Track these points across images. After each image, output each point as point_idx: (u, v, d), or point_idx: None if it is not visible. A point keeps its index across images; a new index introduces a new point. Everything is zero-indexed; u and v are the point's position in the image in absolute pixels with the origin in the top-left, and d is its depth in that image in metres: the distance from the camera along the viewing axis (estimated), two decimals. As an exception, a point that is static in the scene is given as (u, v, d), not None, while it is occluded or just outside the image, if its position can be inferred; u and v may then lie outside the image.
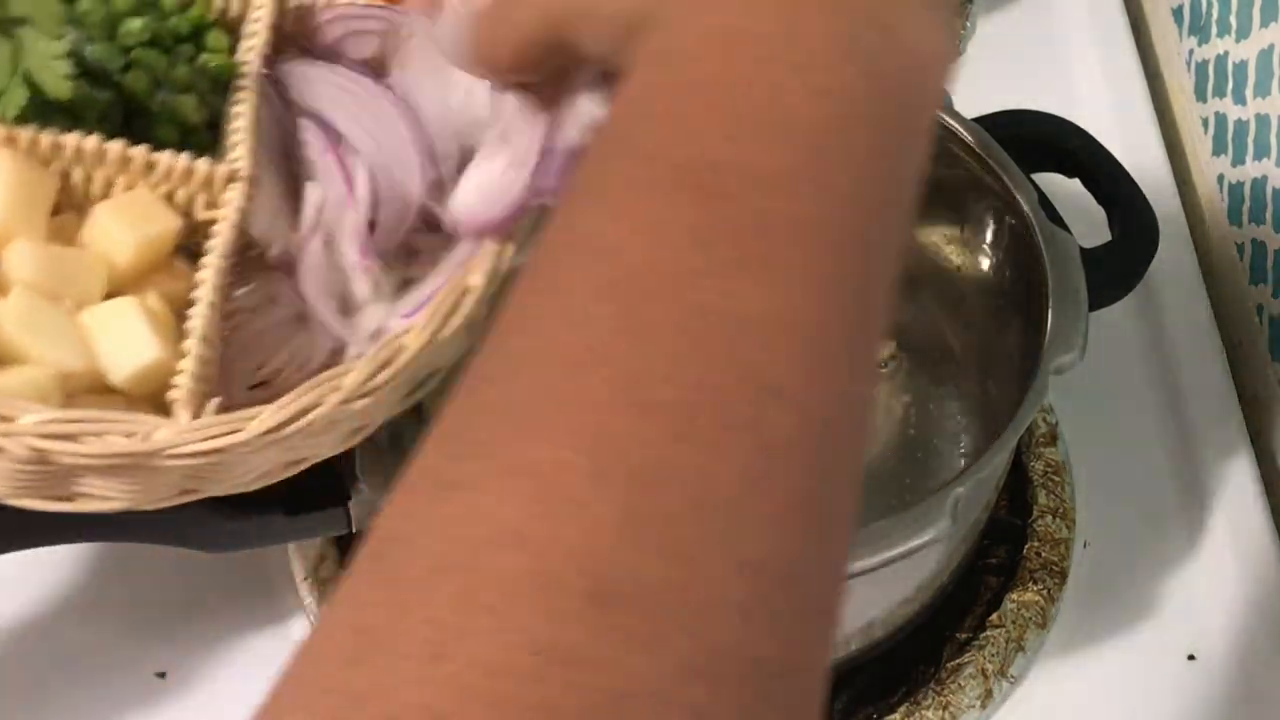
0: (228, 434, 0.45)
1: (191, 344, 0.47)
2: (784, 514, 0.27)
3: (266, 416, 0.45)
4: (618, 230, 0.29)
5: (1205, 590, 0.66)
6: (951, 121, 0.64)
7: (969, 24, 0.91)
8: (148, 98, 0.51)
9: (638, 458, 0.26)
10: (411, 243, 0.51)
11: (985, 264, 0.66)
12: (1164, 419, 0.72)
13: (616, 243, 0.29)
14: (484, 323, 0.49)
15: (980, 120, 0.65)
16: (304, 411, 0.46)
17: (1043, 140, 0.66)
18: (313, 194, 0.50)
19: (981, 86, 0.75)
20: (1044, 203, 0.62)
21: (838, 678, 0.61)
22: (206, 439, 0.45)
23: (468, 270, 0.48)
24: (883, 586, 0.58)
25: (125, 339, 0.47)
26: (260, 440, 0.45)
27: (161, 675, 0.62)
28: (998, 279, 0.65)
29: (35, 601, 0.64)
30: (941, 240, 0.69)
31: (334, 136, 0.51)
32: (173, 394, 0.46)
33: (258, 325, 0.50)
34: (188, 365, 0.46)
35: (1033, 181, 0.62)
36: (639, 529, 0.26)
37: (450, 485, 0.27)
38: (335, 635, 0.26)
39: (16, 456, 0.44)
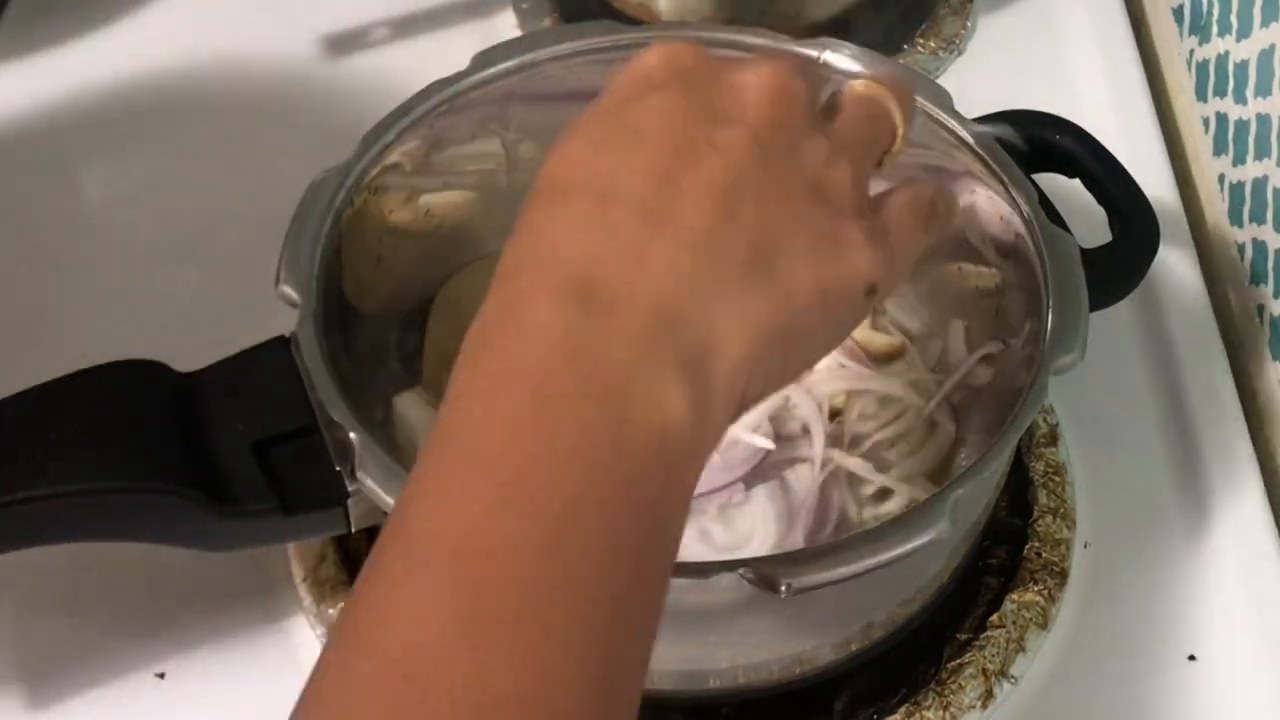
0: None
1: None
2: None
3: None
4: (391, 614, 0.32)
5: (1205, 590, 0.66)
6: (951, 121, 0.64)
7: (969, 24, 0.91)
8: None
9: None
10: None
11: (985, 264, 0.66)
12: (1164, 419, 0.72)
13: (389, 628, 0.32)
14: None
15: (980, 120, 0.65)
16: None
17: (1043, 140, 0.66)
18: None
19: (981, 86, 0.75)
20: (1044, 203, 0.62)
21: (838, 678, 0.61)
22: None
23: None
24: (883, 587, 0.58)
25: None
26: None
27: (161, 675, 0.62)
28: (998, 279, 0.65)
29: (34, 602, 0.64)
30: (941, 240, 0.69)
31: None
32: None
33: None
34: None
35: (1033, 181, 0.62)
36: None
37: None
38: None
39: None
